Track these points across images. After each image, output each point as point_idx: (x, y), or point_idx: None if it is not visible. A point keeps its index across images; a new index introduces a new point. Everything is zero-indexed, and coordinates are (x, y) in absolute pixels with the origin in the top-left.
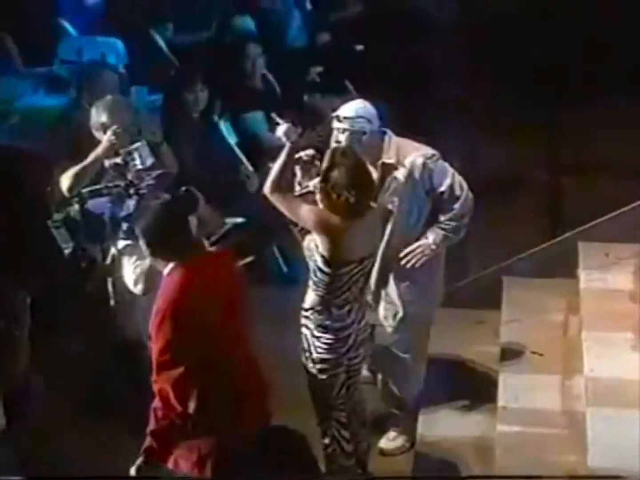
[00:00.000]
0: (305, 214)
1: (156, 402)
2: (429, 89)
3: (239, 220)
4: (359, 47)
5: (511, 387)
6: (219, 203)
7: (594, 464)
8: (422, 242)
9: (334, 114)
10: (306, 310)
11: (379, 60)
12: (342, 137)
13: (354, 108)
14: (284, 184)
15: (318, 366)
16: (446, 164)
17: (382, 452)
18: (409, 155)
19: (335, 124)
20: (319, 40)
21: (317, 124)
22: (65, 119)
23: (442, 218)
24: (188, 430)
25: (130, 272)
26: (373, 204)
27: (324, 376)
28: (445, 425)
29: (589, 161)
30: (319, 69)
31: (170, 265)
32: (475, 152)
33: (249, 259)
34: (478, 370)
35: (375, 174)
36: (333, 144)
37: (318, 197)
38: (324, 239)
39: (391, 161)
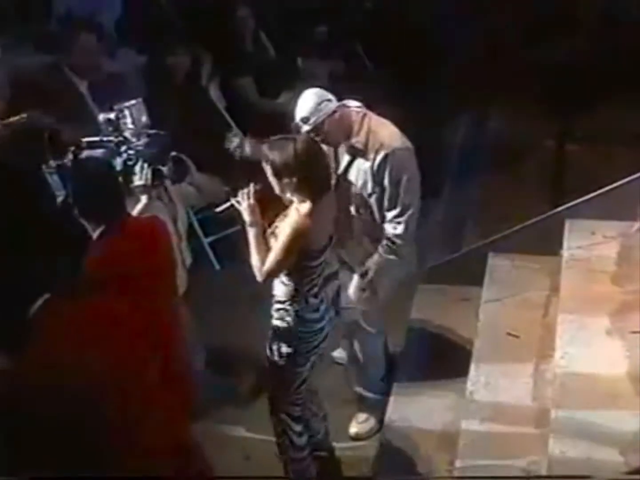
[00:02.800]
0: (291, 246)
1: None
2: (439, 54)
3: (225, 188)
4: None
5: (483, 371)
6: (205, 171)
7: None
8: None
9: (296, 121)
10: (282, 302)
11: (388, 20)
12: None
13: (309, 103)
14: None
15: (284, 360)
16: (412, 164)
17: (352, 436)
18: (378, 140)
19: (304, 127)
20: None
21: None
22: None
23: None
24: None
25: None
26: (330, 188)
27: (289, 370)
28: (414, 410)
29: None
30: (323, 28)
31: (99, 229)
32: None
33: (234, 229)
34: (457, 348)
35: (346, 158)
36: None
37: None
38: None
39: (359, 145)
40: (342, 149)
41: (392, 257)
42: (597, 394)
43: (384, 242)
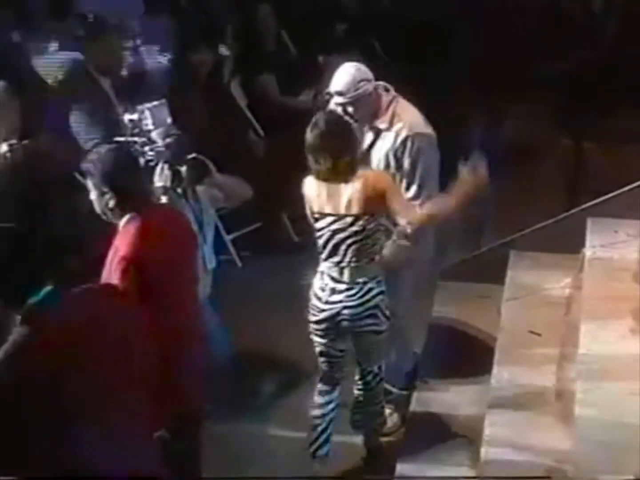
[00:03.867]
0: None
1: None
2: (456, 52)
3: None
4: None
5: (506, 368)
6: (226, 168)
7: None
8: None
9: (329, 90)
10: None
11: (407, 18)
12: (340, 111)
13: (347, 78)
14: None
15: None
16: (432, 150)
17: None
18: (401, 122)
19: (332, 101)
20: None
21: None
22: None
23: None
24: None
25: None
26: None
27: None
28: (437, 403)
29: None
30: (344, 26)
31: (127, 216)
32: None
33: (255, 225)
34: (479, 345)
35: (370, 138)
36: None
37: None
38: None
39: (383, 126)
40: (365, 128)
41: (404, 242)
42: (620, 392)
43: (397, 227)
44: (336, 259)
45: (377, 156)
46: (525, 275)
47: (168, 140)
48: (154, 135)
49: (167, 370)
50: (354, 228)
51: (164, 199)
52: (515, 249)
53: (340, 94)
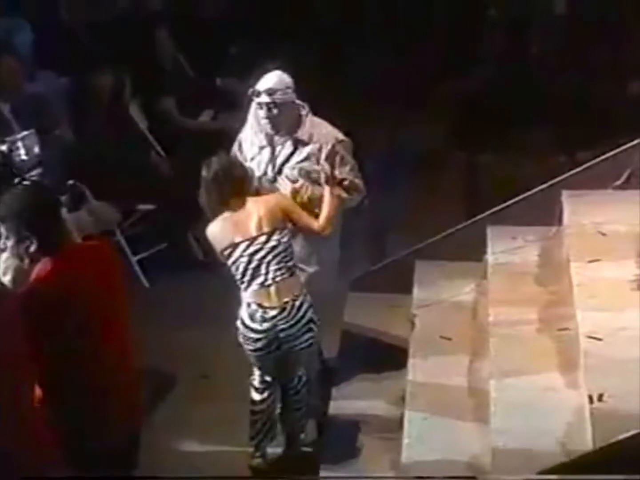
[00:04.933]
0: None
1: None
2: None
3: (150, 207)
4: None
5: (420, 372)
6: (131, 188)
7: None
8: None
9: (254, 89)
10: None
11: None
12: (263, 113)
13: (276, 79)
14: None
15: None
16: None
17: None
18: (322, 134)
19: (259, 99)
20: (236, 18)
21: (231, 108)
22: None
23: None
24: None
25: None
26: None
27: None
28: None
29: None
30: (236, 49)
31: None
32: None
33: (161, 246)
34: (392, 349)
35: (289, 148)
36: (252, 120)
37: None
38: None
39: (304, 137)
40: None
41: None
42: (534, 387)
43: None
44: (259, 280)
45: (294, 166)
46: (431, 283)
47: (40, 169)
48: (24, 165)
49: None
50: (270, 244)
51: None
52: (419, 258)
53: (269, 92)
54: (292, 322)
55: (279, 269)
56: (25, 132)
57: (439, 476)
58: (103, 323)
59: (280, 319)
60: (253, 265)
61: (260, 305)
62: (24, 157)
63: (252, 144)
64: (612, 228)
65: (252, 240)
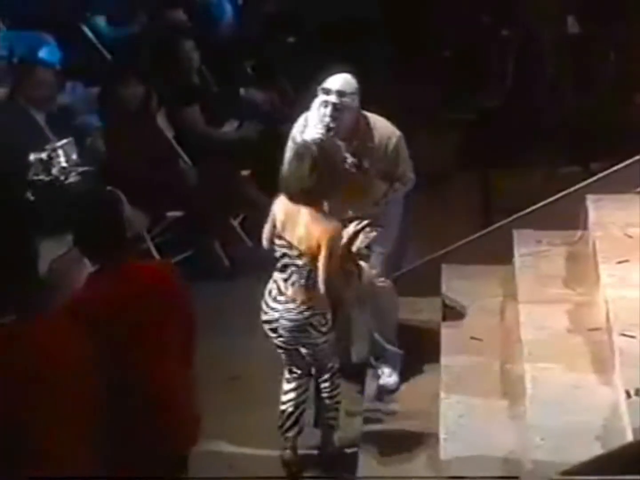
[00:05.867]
0: None
1: None
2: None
3: (179, 214)
4: (291, 39)
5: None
6: (158, 197)
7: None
8: None
9: (322, 86)
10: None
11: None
12: (328, 111)
13: (344, 82)
14: None
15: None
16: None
17: (383, 389)
18: (382, 133)
19: (323, 97)
20: (251, 33)
21: (255, 116)
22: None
23: None
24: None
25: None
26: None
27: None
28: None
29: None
30: (251, 62)
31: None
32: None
33: (187, 253)
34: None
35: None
36: (315, 114)
37: None
38: None
39: (373, 144)
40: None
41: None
42: (568, 384)
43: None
44: (284, 275)
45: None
46: (458, 287)
47: (78, 176)
48: (62, 172)
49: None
50: (299, 262)
51: None
52: (445, 262)
53: (340, 93)
54: (292, 316)
55: (302, 279)
56: (64, 140)
57: (480, 476)
58: (153, 347)
59: (286, 309)
60: (284, 261)
61: (278, 288)
62: (64, 164)
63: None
64: (637, 231)
65: (291, 246)
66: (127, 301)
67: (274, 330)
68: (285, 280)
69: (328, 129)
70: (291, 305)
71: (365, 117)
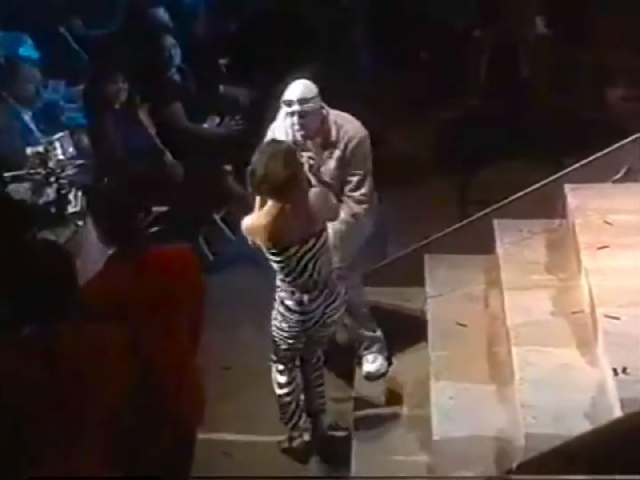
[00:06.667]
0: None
1: None
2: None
3: (164, 208)
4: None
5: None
6: (145, 191)
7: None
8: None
9: (283, 99)
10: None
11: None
12: (295, 120)
13: (304, 88)
14: None
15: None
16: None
17: (368, 376)
18: (347, 131)
19: (287, 109)
20: (226, 30)
21: (235, 112)
22: None
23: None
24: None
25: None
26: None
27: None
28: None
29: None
30: (225, 60)
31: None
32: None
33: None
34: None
35: (311, 152)
36: (288, 129)
37: None
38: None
39: (333, 139)
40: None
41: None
42: (556, 365)
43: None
44: (307, 274)
45: (326, 167)
46: (442, 275)
47: (76, 168)
48: (59, 164)
49: None
50: (319, 244)
51: (80, 223)
52: (428, 252)
53: (302, 101)
54: (334, 296)
55: (324, 266)
56: (60, 133)
57: (479, 476)
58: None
59: (326, 295)
60: (303, 263)
61: (306, 291)
62: (60, 156)
63: None
64: (616, 217)
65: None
66: (145, 285)
67: (306, 331)
68: (310, 276)
69: (301, 136)
70: (328, 290)
71: (329, 114)
